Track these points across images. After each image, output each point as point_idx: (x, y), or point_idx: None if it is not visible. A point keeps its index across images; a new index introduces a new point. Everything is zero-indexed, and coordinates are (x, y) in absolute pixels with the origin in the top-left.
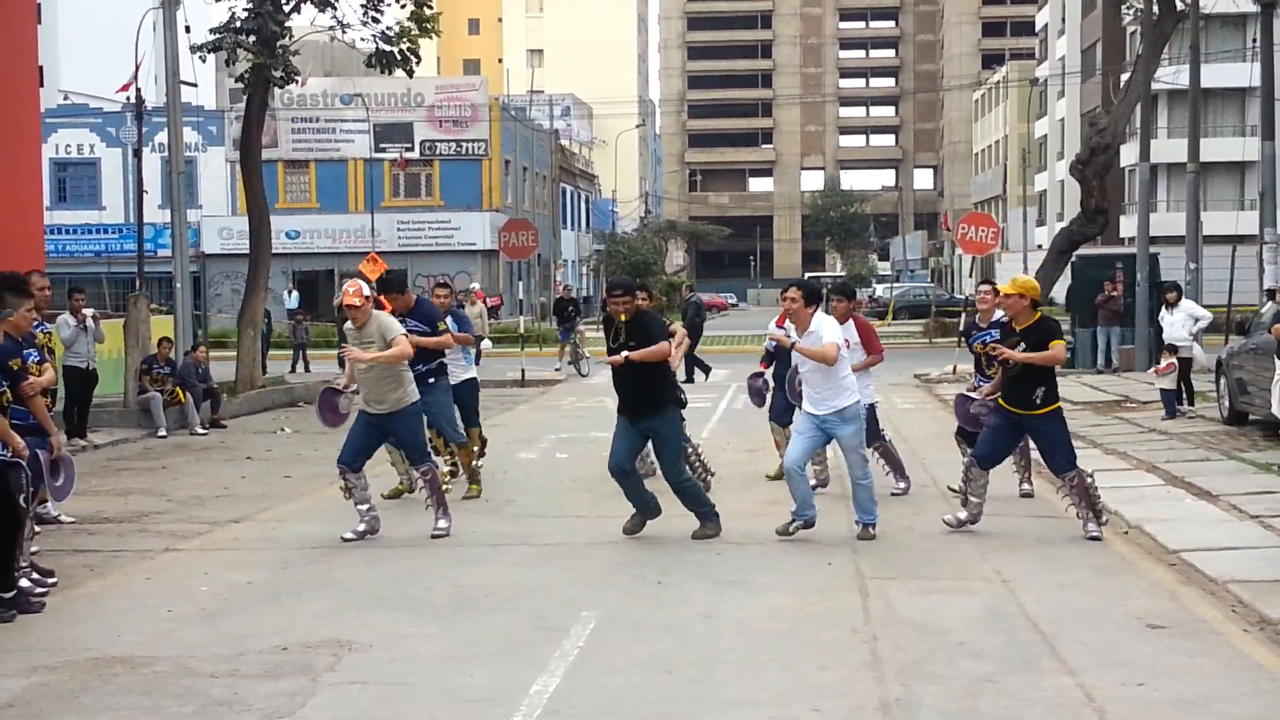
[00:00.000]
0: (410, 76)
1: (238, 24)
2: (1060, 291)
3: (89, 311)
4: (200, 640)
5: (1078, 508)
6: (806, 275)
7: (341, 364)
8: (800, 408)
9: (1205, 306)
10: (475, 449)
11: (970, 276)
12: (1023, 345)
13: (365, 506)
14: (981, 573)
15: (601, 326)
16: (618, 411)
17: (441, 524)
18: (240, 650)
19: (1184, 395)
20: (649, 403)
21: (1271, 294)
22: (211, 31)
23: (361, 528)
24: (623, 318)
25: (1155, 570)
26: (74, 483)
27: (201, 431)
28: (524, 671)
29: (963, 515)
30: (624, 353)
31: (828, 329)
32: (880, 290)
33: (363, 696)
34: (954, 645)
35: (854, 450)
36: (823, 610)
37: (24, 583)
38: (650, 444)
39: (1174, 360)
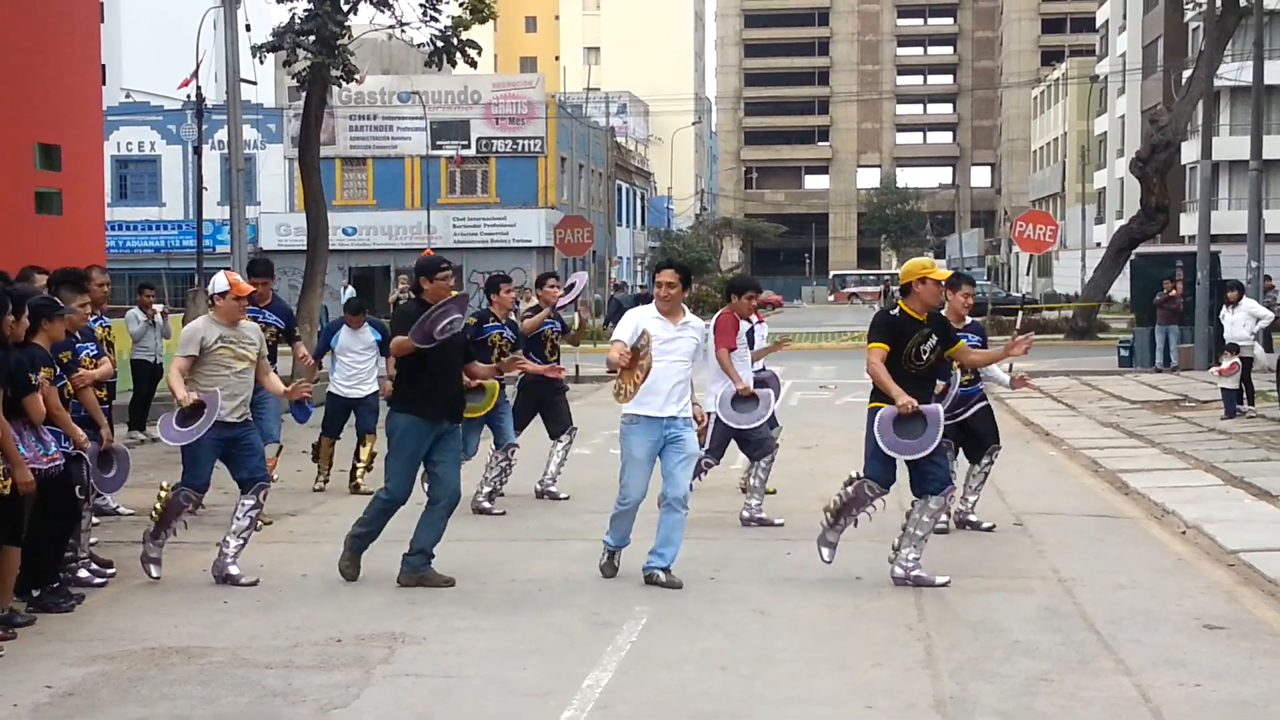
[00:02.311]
0: (474, 67)
1: (297, 25)
2: (1119, 289)
3: (158, 307)
4: (256, 631)
5: (919, 529)
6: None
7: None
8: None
9: (1267, 305)
10: (366, 457)
11: (1028, 275)
12: (935, 338)
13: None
14: (1038, 571)
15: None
16: (423, 415)
17: (235, 569)
18: (295, 642)
19: (1244, 394)
20: (460, 403)
21: None
22: (272, 34)
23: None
24: (453, 294)
25: (1213, 571)
26: (128, 474)
27: None
28: (577, 666)
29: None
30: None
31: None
32: None
33: (416, 689)
34: (1009, 644)
35: (691, 463)
36: (876, 608)
37: (83, 573)
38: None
39: (1237, 360)
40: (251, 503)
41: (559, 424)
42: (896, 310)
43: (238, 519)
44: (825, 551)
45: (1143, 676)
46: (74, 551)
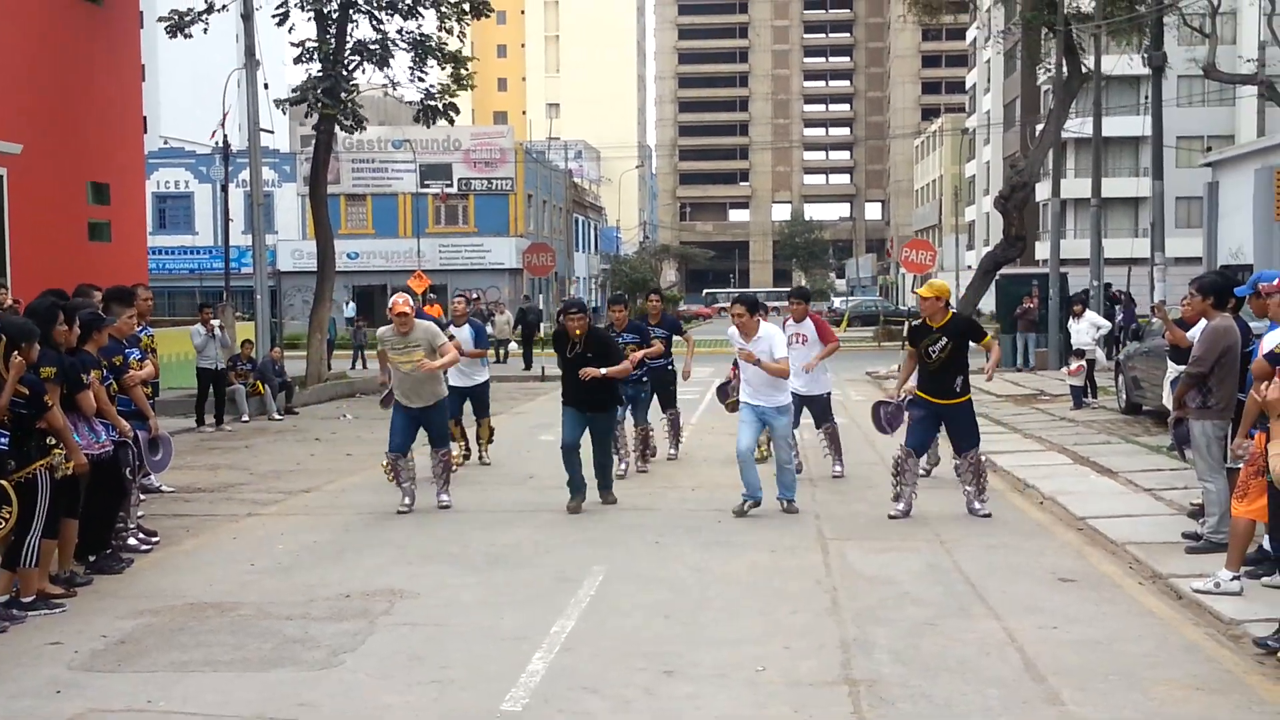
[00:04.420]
0: (451, 124)
1: (315, 83)
2: (986, 304)
3: (216, 323)
4: (277, 589)
5: (966, 484)
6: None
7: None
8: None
9: (1105, 317)
10: (485, 435)
11: (913, 291)
12: (944, 340)
13: (409, 484)
14: (923, 535)
15: (553, 340)
16: (566, 402)
17: (444, 497)
18: (310, 597)
19: (1089, 390)
20: (598, 401)
21: (1154, 308)
22: (293, 90)
23: (408, 501)
24: (578, 333)
25: (1066, 534)
26: (171, 458)
27: (278, 417)
28: (546, 615)
29: (901, 506)
30: (602, 369)
31: (778, 340)
32: (838, 303)
33: (412, 636)
34: (901, 595)
35: (784, 438)
36: (792, 566)
37: (131, 541)
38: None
39: (1082, 362)
40: (437, 459)
41: (665, 405)
42: (919, 320)
43: (435, 469)
44: (897, 506)
45: (1009, 621)
46: (124, 523)
